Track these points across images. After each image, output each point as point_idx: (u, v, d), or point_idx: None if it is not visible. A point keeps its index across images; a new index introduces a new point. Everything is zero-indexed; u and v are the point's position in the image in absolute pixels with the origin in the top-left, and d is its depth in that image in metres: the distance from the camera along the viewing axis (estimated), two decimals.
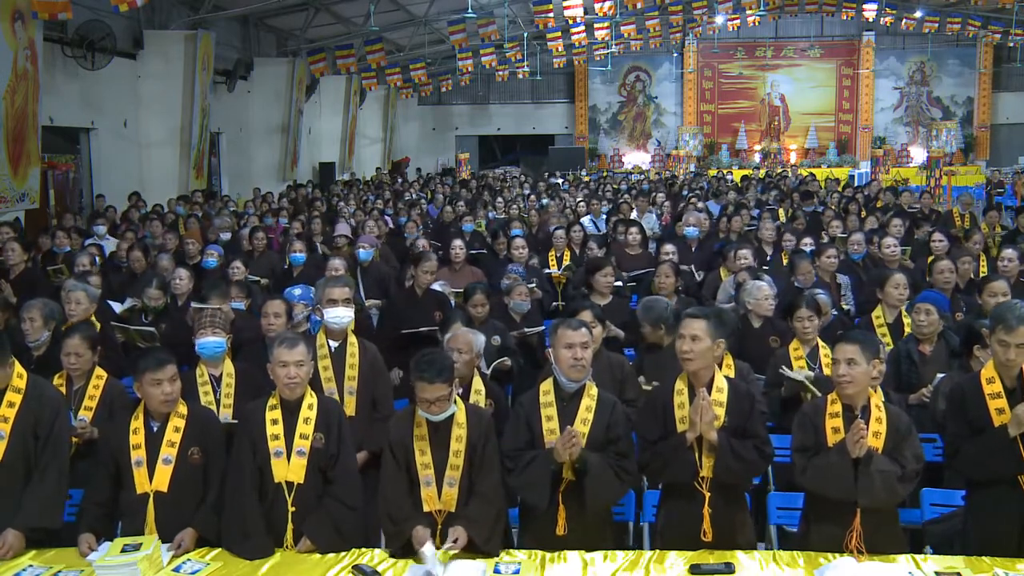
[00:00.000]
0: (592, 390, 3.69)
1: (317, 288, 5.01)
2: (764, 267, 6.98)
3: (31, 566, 3.39)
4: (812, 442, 3.49)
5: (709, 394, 3.53)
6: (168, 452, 3.65)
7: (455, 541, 3.38)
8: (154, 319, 6.11)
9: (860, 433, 3.32)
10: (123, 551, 3.32)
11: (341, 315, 4.52)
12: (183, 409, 3.75)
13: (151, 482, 3.63)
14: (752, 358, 5.01)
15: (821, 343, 4.95)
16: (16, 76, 10.34)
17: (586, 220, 11.53)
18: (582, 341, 3.61)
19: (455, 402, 3.59)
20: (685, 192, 16.73)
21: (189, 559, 3.44)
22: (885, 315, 5.59)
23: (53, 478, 3.66)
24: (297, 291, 5.88)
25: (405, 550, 3.46)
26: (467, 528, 3.43)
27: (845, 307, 6.62)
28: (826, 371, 4.83)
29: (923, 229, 9.22)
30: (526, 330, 6.00)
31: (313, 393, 3.76)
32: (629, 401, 4.44)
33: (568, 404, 3.65)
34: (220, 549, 3.53)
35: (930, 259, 6.78)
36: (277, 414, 3.66)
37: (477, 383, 4.32)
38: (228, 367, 4.50)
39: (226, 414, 4.32)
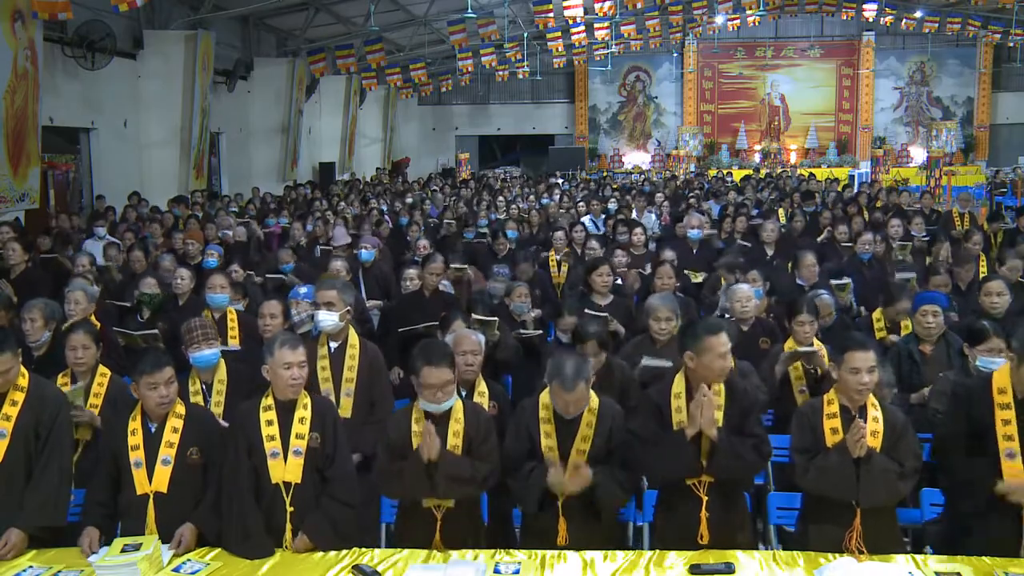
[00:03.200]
0: (593, 403, 3.68)
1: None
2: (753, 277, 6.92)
3: (31, 566, 3.39)
4: (811, 442, 3.50)
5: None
6: (167, 453, 3.65)
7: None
8: (151, 317, 6.10)
9: (860, 433, 3.33)
10: (123, 551, 3.32)
11: (322, 319, 4.51)
12: (181, 409, 3.74)
13: (151, 483, 3.63)
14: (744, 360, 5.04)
15: (817, 343, 4.97)
16: (16, 76, 10.34)
17: (586, 220, 11.55)
18: (576, 399, 3.58)
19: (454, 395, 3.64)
20: (686, 191, 16.74)
21: (189, 559, 3.43)
22: (885, 318, 5.59)
23: (55, 476, 3.65)
24: (302, 290, 5.87)
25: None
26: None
27: (850, 298, 6.62)
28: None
29: (916, 222, 9.27)
30: (522, 331, 6.02)
31: (307, 393, 3.75)
32: (631, 409, 4.44)
33: (568, 423, 3.66)
34: (220, 549, 3.54)
35: (928, 273, 6.67)
36: (272, 415, 3.65)
37: (481, 385, 4.31)
38: (221, 373, 4.48)
39: (216, 412, 4.34)
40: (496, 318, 5.50)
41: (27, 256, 7.53)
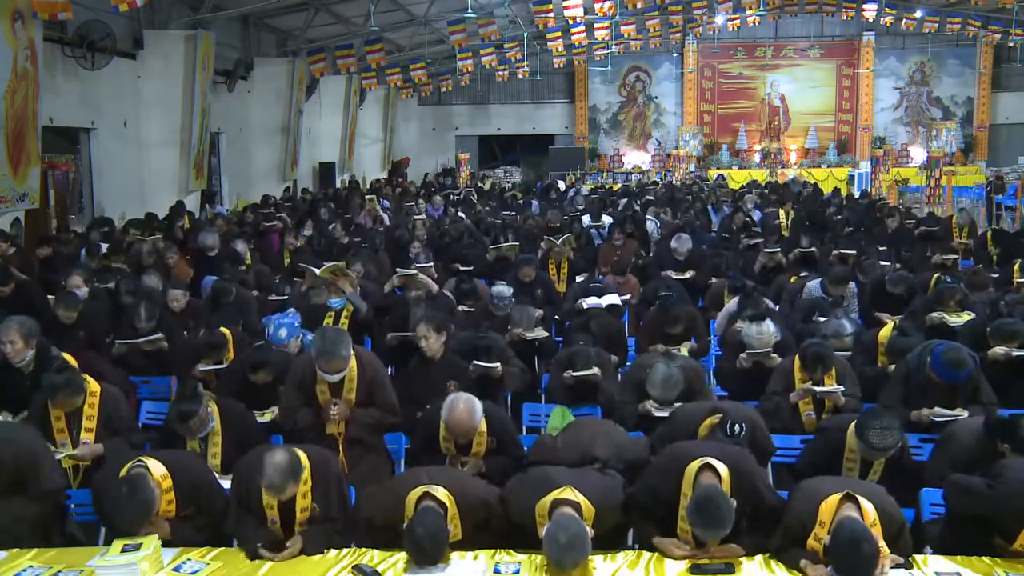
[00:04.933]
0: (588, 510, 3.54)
1: (312, 343, 4.68)
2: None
3: (31, 566, 3.38)
4: (791, 544, 3.43)
5: None
6: (167, 512, 3.66)
7: None
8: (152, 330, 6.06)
9: None
10: (123, 551, 3.32)
11: (333, 379, 4.43)
12: (168, 483, 3.65)
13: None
14: (757, 387, 5.05)
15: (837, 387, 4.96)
16: (16, 76, 10.33)
17: (585, 219, 11.57)
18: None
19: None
20: (685, 195, 16.75)
21: (189, 559, 3.43)
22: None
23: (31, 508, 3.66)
24: (283, 332, 5.60)
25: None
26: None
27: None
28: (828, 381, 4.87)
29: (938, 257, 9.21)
30: (526, 335, 6.01)
31: (307, 463, 3.63)
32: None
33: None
34: (221, 549, 3.54)
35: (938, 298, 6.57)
36: (273, 500, 3.60)
37: (480, 424, 4.27)
38: (216, 424, 4.39)
39: (214, 463, 4.27)
40: (497, 364, 5.32)
41: (8, 287, 7.02)
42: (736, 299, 6.68)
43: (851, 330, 5.71)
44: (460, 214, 13.20)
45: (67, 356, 5.09)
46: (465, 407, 4.14)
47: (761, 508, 3.55)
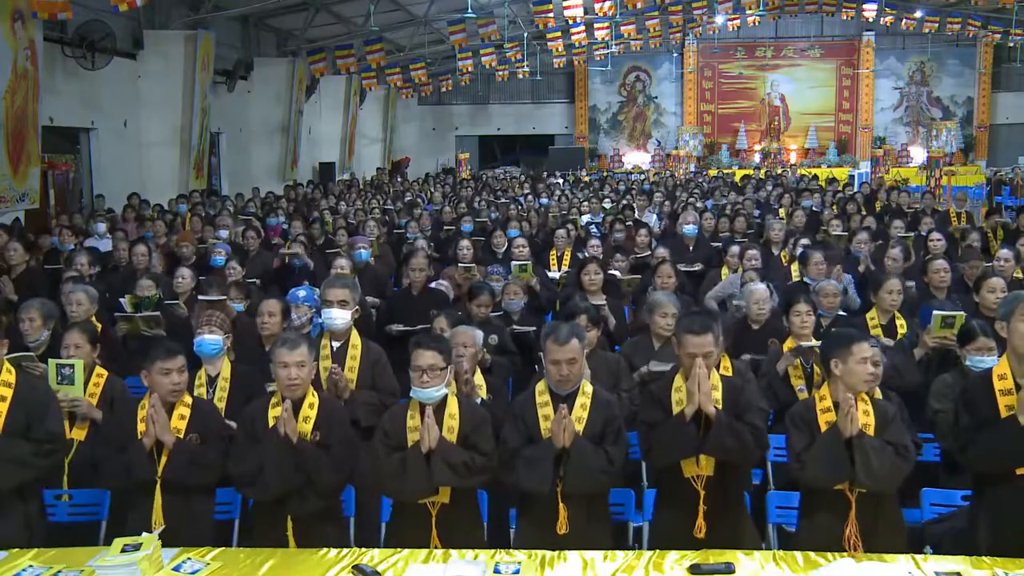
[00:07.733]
0: (587, 388, 3.69)
1: (321, 288, 5.01)
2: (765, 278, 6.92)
3: (31, 566, 3.38)
4: (808, 441, 3.51)
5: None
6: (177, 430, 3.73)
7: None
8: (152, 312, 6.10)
9: (848, 406, 3.37)
10: (123, 551, 3.32)
11: (332, 316, 4.54)
12: (188, 399, 3.84)
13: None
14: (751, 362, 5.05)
15: (816, 342, 4.98)
16: (16, 76, 10.34)
17: (587, 218, 11.57)
18: (568, 358, 3.57)
19: (449, 393, 3.65)
20: (683, 189, 16.76)
21: (189, 558, 3.43)
22: (879, 318, 5.60)
23: (24, 448, 3.63)
24: (301, 293, 5.84)
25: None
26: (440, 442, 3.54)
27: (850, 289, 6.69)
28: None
29: (924, 222, 9.26)
30: (516, 328, 6.05)
31: (315, 392, 3.77)
32: (625, 391, 4.54)
33: (563, 403, 3.67)
34: (220, 549, 3.54)
35: (926, 258, 6.81)
36: (279, 412, 3.67)
37: (479, 378, 4.34)
38: (225, 370, 4.49)
39: (219, 406, 4.32)
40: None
41: (28, 256, 7.51)
42: (736, 274, 6.89)
43: (836, 284, 5.83)
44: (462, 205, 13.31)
45: (94, 319, 5.30)
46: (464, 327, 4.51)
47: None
